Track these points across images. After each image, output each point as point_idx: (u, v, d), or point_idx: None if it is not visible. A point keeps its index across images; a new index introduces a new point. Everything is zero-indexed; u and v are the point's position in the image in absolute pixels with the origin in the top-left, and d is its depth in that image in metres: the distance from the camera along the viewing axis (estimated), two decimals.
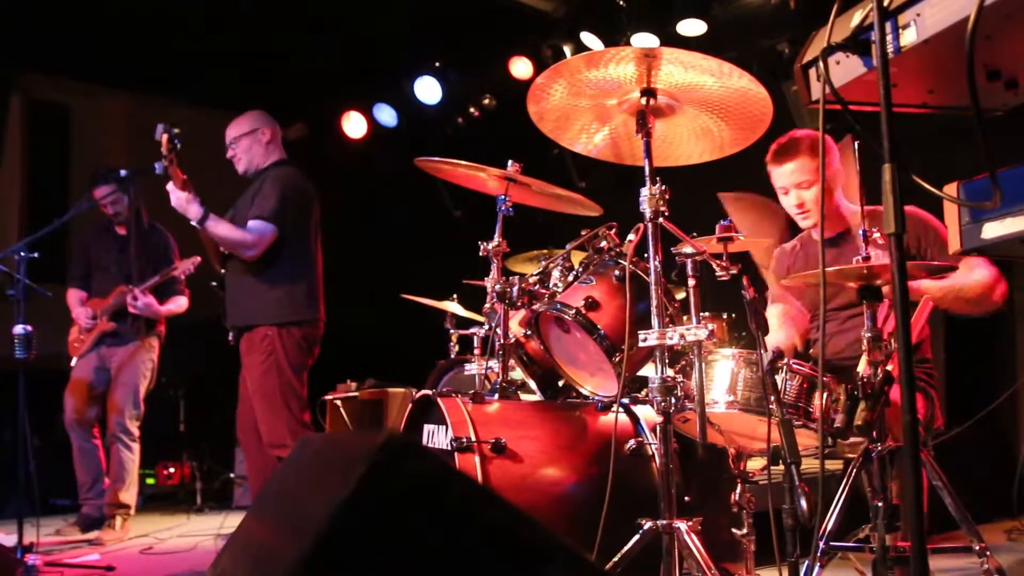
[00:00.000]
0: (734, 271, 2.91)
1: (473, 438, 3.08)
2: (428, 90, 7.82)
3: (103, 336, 5.89)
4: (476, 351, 4.06)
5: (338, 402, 6.08)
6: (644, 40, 6.38)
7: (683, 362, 2.92)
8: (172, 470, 7.75)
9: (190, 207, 4.50)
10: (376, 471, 1.23)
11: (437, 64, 7.79)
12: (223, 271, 4.94)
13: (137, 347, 5.89)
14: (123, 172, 5.03)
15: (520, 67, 7.26)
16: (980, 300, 3.34)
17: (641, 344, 2.80)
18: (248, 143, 4.93)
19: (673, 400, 2.76)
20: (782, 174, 3.69)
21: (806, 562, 2.79)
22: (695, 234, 3.05)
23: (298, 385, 4.81)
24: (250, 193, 4.81)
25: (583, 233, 3.37)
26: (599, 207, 3.74)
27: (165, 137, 4.37)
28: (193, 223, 4.55)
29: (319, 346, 5.02)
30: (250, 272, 4.76)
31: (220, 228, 4.61)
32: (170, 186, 4.51)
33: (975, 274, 3.32)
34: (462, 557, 1.26)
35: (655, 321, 2.77)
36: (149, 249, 5.85)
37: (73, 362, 5.96)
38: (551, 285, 3.42)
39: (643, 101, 2.86)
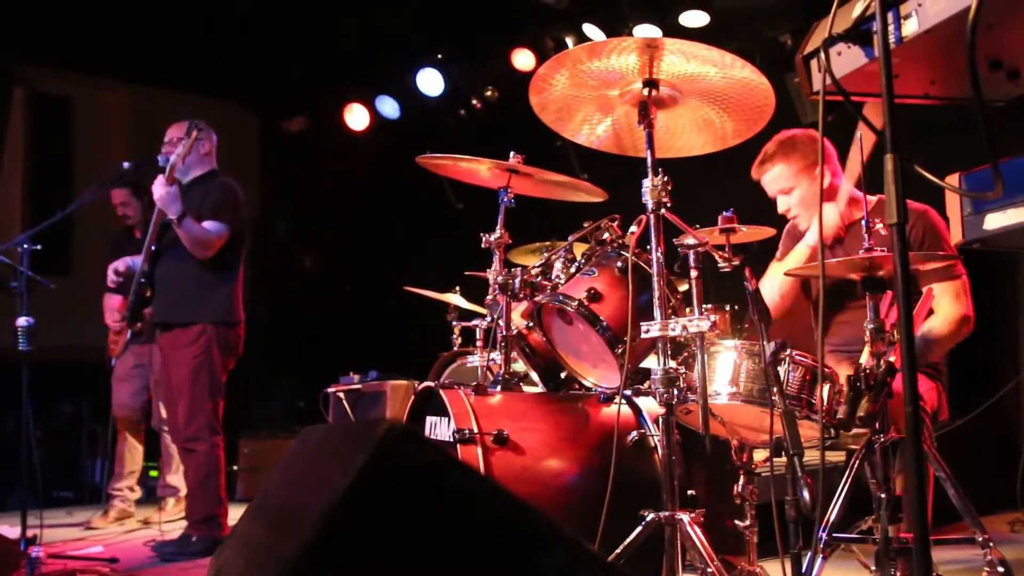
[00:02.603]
0: (736, 262, 2.90)
1: (475, 430, 3.08)
2: (430, 82, 7.82)
3: (133, 335, 5.99)
4: (478, 343, 4.06)
5: (340, 394, 6.08)
6: (646, 31, 6.38)
7: (685, 353, 2.92)
8: None
9: (174, 203, 4.59)
10: (376, 460, 1.23)
11: (439, 56, 7.79)
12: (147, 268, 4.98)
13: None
14: (126, 164, 5.04)
15: (522, 59, 7.26)
16: (946, 343, 3.37)
17: (643, 335, 2.80)
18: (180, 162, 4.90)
19: (676, 392, 2.76)
20: (765, 183, 3.75)
21: (809, 554, 2.78)
22: (698, 225, 3.05)
23: (222, 383, 4.94)
24: (195, 197, 4.83)
25: (585, 225, 3.37)
26: (604, 192, 3.74)
27: (195, 134, 4.66)
28: (171, 218, 4.61)
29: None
30: (195, 271, 4.83)
31: (194, 227, 4.68)
32: (161, 179, 4.59)
33: (937, 321, 3.32)
34: (462, 546, 1.26)
35: (657, 312, 2.77)
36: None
37: (112, 363, 6.07)
38: (553, 277, 3.41)
39: (645, 92, 2.85)
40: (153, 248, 4.89)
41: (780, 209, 3.76)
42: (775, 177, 3.69)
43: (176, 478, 6.04)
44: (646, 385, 3.38)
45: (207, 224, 4.74)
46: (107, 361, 6.07)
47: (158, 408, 5.98)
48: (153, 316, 5.00)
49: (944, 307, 3.33)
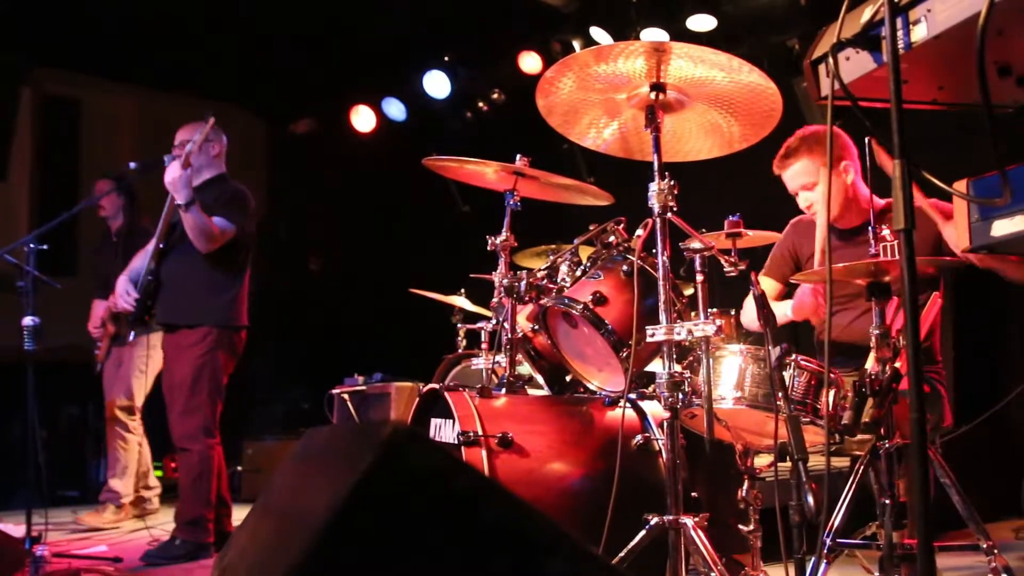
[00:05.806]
0: (742, 267, 2.90)
1: (480, 432, 3.08)
2: (437, 84, 7.82)
3: (113, 339, 6.01)
4: (483, 346, 4.07)
5: (345, 396, 6.09)
6: (653, 35, 6.38)
7: (691, 358, 2.92)
8: None
9: (185, 188, 4.54)
10: (381, 462, 1.23)
11: (446, 58, 7.79)
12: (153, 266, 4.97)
13: (134, 344, 6.01)
14: (132, 164, 5.04)
15: (529, 62, 7.26)
16: None
17: (649, 339, 2.80)
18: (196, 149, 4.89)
19: (680, 396, 2.76)
20: (787, 178, 3.70)
21: (813, 559, 2.78)
22: (704, 229, 3.05)
23: (223, 386, 4.93)
24: (206, 198, 4.79)
25: (591, 228, 3.36)
26: (610, 196, 3.73)
27: (211, 120, 4.66)
28: (179, 203, 4.57)
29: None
30: (202, 273, 4.82)
31: (201, 215, 4.63)
32: (176, 163, 4.56)
33: None
34: (466, 548, 1.26)
35: (663, 316, 2.77)
36: (135, 250, 5.85)
37: (99, 367, 6.14)
38: (559, 280, 3.41)
39: (652, 96, 2.85)
40: (161, 246, 4.89)
41: (802, 204, 3.71)
42: (798, 172, 3.65)
43: (119, 483, 6.00)
44: (651, 389, 3.38)
45: (216, 219, 4.73)
46: (95, 367, 6.14)
47: (112, 402, 6.04)
48: (158, 317, 4.99)
49: None
